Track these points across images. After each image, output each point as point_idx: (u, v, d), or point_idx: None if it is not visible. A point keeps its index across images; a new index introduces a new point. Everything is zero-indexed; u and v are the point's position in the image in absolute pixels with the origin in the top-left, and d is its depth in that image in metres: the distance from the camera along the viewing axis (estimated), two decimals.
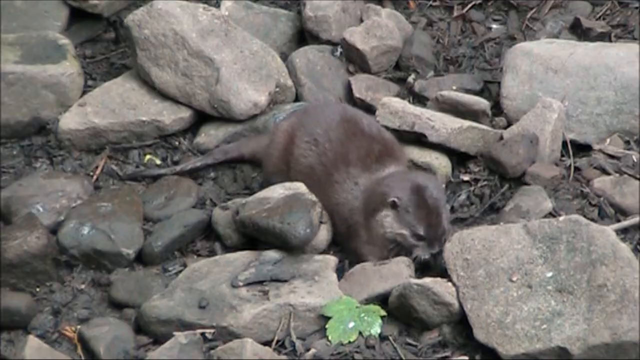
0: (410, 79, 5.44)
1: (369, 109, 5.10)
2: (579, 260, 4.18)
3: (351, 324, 4.27)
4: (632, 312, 4.02)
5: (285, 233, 4.48)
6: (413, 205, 4.41)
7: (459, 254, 4.31)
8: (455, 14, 5.78)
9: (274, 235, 4.51)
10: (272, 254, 4.49)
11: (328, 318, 4.29)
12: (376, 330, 4.27)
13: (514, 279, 4.21)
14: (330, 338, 4.25)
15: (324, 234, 4.64)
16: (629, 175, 4.74)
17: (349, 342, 4.24)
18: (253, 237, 4.63)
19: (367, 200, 4.53)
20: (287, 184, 4.70)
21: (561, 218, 4.32)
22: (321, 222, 4.60)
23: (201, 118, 5.25)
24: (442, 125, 4.89)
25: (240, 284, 4.38)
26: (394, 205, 4.42)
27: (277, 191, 4.66)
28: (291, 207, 4.54)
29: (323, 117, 4.74)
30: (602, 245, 4.18)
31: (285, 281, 4.41)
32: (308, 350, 4.24)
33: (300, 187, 4.65)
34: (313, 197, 4.60)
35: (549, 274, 4.19)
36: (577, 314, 4.08)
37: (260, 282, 4.39)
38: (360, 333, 4.27)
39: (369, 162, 4.60)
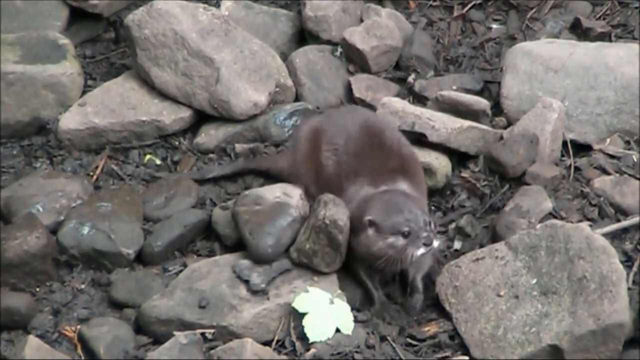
0: (410, 79, 5.44)
1: (369, 109, 5.09)
2: (558, 261, 4.22)
3: (326, 320, 4.24)
4: (612, 295, 4.06)
5: (250, 245, 4.47)
6: (386, 213, 4.34)
7: (449, 284, 4.38)
8: (455, 14, 5.78)
9: (244, 241, 4.51)
10: None
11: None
12: (350, 322, 4.23)
13: (502, 293, 4.26)
14: (309, 337, 4.22)
15: None
16: (629, 175, 4.74)
17: (329, 339, 4.22)
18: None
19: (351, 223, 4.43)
20: (288, 189, 4.68)
21: (538, 226, 4.37)
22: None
23: (201, 118, 5.25)
24: (442, 125, 4.89)
25: (263, 285, 4.36)
26: (371, 224, 4.34)
27: (275, 193, 4.64)
28: (272, 218, 4.49)
29: (345, 126, 4.66)
30: (578, 240, 4.22)
31: (290, 270, 4.41)
32: (308, 350, 4.23)
33: (294, 196, 4.60)
34: (299, 213, 4.54)
35: (533, 281, 4.24)
36: (563, 311, 4.12)
37: (274, 278, 4.39)
38: (337, 330, 4.24)
39: (377, 177, 4.51)
